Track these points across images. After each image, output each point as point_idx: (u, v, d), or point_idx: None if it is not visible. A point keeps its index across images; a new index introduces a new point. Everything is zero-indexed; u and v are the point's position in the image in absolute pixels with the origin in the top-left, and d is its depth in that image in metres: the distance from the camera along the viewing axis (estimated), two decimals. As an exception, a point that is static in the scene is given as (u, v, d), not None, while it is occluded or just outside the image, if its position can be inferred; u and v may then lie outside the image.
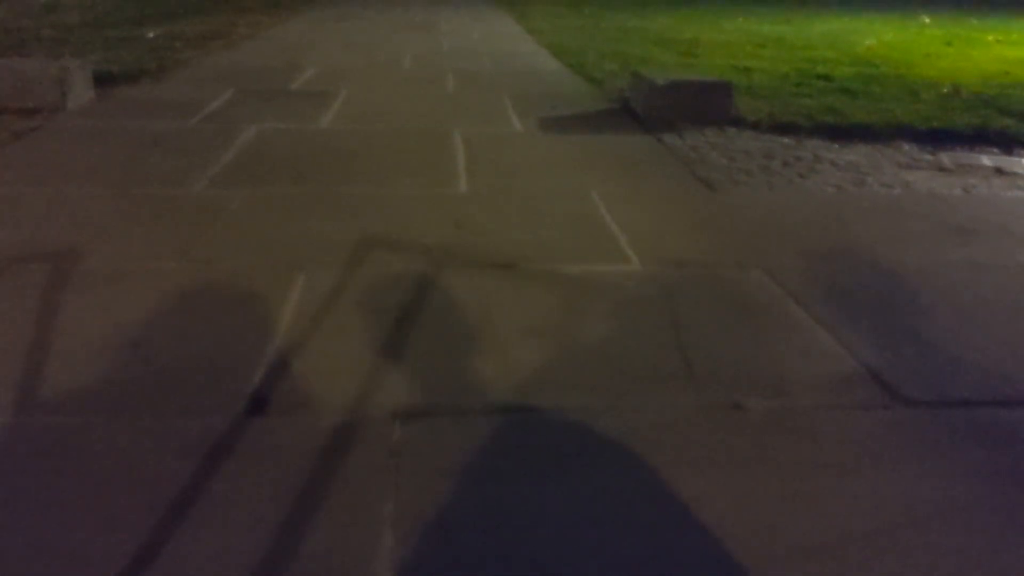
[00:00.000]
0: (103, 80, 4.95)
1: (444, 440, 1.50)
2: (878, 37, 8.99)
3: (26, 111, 4.13)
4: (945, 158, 3.82)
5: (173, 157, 3.42)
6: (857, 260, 2.47)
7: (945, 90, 5.34)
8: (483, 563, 1.20)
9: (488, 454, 1.46)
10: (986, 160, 3.81)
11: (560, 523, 1.29)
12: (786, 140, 4.08)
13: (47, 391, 1.63)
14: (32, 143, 3.62)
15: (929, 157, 3.84)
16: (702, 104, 4.40)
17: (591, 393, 1.67)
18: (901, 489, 1.39)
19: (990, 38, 9.10)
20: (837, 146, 4.00)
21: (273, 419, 1.55)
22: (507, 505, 1.32)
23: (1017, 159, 3.85)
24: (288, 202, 2.85)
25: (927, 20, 11.47)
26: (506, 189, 3.11)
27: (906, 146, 4.03)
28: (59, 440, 1.47)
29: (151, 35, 7.77)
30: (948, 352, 1.90)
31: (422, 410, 1.59)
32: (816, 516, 1.32)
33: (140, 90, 4.99)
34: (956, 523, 1.31)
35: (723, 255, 2.47)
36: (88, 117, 4.18)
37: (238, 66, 6.12)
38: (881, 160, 3.77)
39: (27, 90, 4.19)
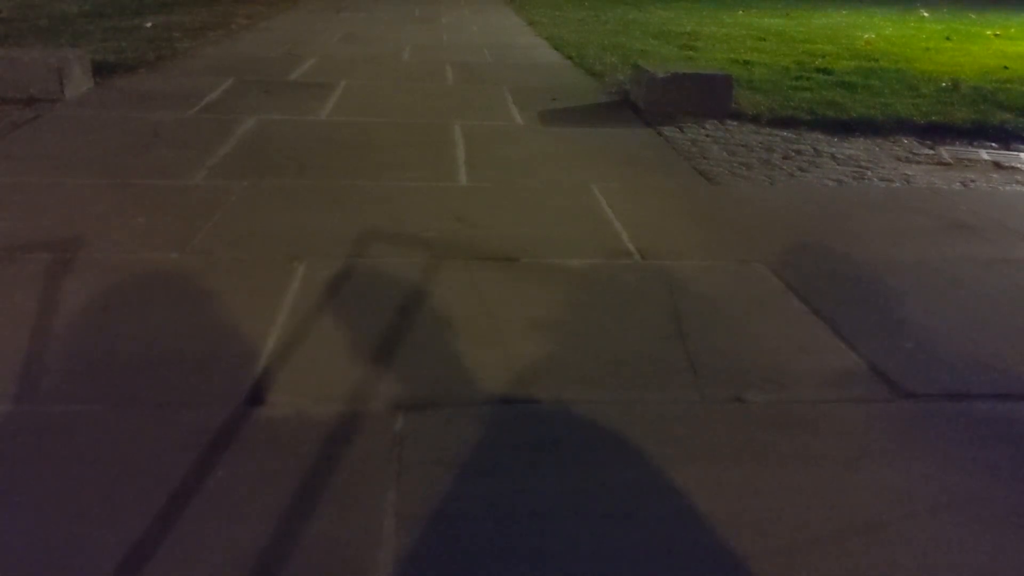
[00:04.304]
0: (101, 70, 4.93)
1: (446, 431, 1.50)
2: (877, 31, 8.99)
3: (24, 101, 4.11)
4: (944, 152, 3.83)
5: (172, 147, 3.41)
6: (857, 254, 2.48)
7: (944, 84, 5.34)
8: (485, 554, 1.20)
9: (490, 446, 1.46)
10: (984, 154, 3.82)
11: (561, 515, 1.29)
12: (786, 134, 4.08)
13: (46, 380, 1.63)
14: (30, 133, 3.61)
15: (928, 151, 3.85)
16: (702, 97, 4.40)
17: (592, 386, 1.68)
18: (901, 482, 1.40)
19: (989, 33, 9.10)
20: (837, 140, 4.00)
21: (274, 409, 1.55)
22: (509, 497, 1.33)
23: (1015, 153, 3.86)
24: (288, 193, 2.85)
25: (926, 14, 11.46)
26: (507, 182, 3.10)
27: (905, 140, 4.04)
28: (58, 430, 1.47)
29: (149, 25, 7.74)
30: (948, 346, 1.90)
31: (424, 401, 1.60)
32: (817, 509, 1.32)
33: (139, 80, 4.97)
34: (956, 515, 1.32)
35: (724, 249, 2.47)
36: (86, 107, 4.16)
37: (237, 56, 6.10)
38: (880, 154, 3.77)
39: (25, 80, 4.17)
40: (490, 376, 1.70)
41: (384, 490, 1.33)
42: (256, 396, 1.59)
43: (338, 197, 2.82)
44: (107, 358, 1.72)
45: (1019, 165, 3.66)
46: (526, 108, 4.50)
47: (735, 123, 4.26)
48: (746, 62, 6.17)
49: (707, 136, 3.98)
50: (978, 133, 4.15)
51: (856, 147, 3.88)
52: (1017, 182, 3.39)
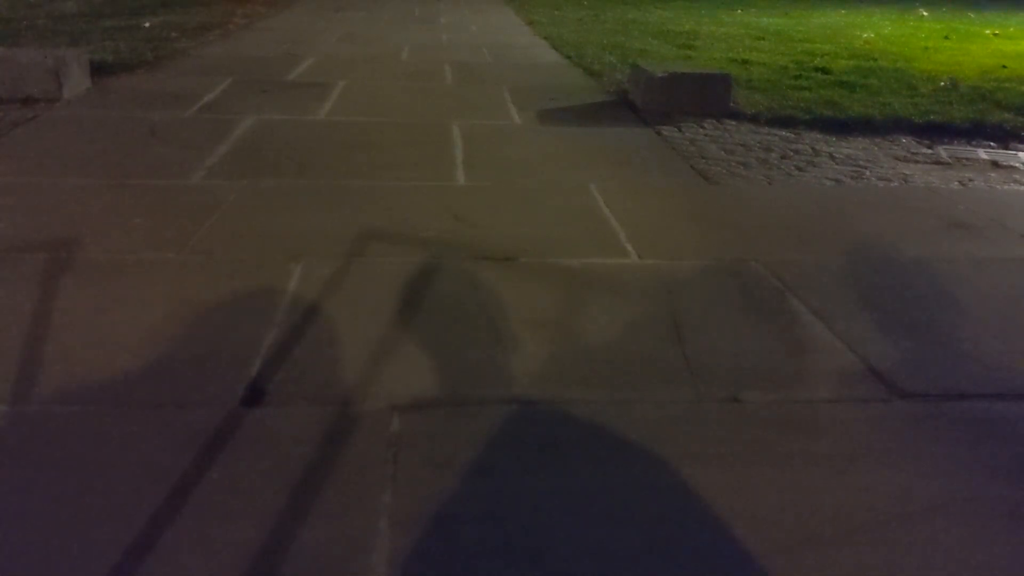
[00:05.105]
0: (100, 70, 4.92)
1: (442, 432, 1.50)
2: (876, 30, 8.99)
3: (22, 101, 4.11)
4: (942, 151, 3.83)
5: (171, 148, 3.41)
6: (855, 254, 2.48)
7: (943, 84, 5.34)
8: (481, 555, 1.20)
9: (487, 446, 1.46)
10: (983, 154, 3.82)
11: (559, 516, 1.29)
12: (784, 133, 4.08)
13: (44, 380, 1.63)
14: (29, 133, 3.60)
15: (926, 150, 3.85)
16: (701, 97, 4.40)
17: (590, 386, 1.68)
18: (899, 482, 1.40)
19: (988, 32, 9.10)
20: (835, 139, 4.00)
21: (270, 410, 1.55)
22: (506, 497, 1.33)
23: (1013, 153, 3.86)
24: (286, 193, 2.84)
25: (925, 14, 11.47)
26: (505, 182, 3.10)
27: (904, 139, 4.04)
28: (55, 430, 1.47)
29: (148, 25, 7.73)
30: (945, 345, 1.90)
31: (420, 402, 1.59)
32: (814, 508, 1.32)
33: (137, 80, 4.96)
34: (954, 515, 1.32)
35: (721, 248, 2.47)
36: (85, 107, 4.16)
37: (235, 56, 6.09)
38: (879, 153, 3.77)
39: (23, 80, 4.17)
40: (487, 376, 1.70)
41: (381, 491, 1.33)
42: (252, 397, 1.59)
43: (336, 197, 2.82)
44: (105, 358, 1.71)
45: (1017, 164, 3.66)
46: (525, 108, 4.50)
47: (733, 122, 4.26)
48: (745, 61, 6.17)
49: (705, 135, 3.98)
50: (976, 132, 4.15)
51: (854, 146, 3.88)
52: (1015, 181, 3.39)
